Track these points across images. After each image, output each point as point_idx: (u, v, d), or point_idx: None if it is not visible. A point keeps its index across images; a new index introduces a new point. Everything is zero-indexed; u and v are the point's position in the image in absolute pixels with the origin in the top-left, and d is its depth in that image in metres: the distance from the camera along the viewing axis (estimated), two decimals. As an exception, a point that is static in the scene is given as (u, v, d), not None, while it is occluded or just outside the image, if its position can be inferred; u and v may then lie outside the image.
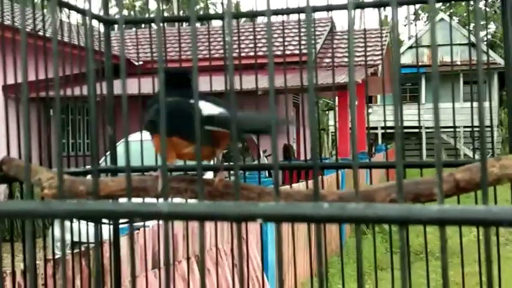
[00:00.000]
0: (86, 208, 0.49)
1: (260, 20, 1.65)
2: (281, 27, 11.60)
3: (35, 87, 1.32)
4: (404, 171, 1.43)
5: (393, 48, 0.55)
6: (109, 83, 1.29)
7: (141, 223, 4.83)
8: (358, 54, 12.02)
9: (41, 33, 1.44)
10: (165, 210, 0.47)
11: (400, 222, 0.43)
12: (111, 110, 1.28)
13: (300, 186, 5.22)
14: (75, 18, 1.43)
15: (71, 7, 1.22)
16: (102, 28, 1.48)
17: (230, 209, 0.46)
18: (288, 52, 11.14)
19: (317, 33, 13.50)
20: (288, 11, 1.28)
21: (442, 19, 20.57)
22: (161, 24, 1.45)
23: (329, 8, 1.36)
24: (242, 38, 12.58)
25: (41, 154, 1.40)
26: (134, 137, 1.63)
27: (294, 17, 1.44)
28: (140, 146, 1.31)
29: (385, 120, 1.61)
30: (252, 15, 1.32)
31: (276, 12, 1.34)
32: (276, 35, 11.72)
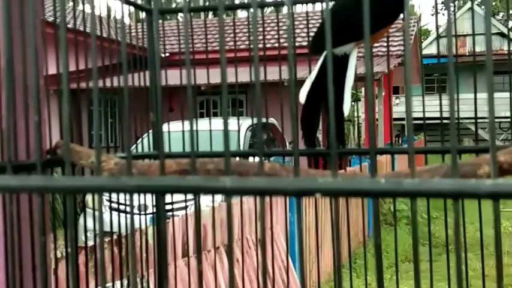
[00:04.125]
0: (153, 183, 0.52)
1: (284, 11, 1.66)
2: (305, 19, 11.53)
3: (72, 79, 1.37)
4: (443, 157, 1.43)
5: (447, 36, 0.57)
6: (152, 70, 1.33)
7: (170, 213, 4.90)
8: (384, 44, 11.91)
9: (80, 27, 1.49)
10: (228, 185, 0.50)
11: (455, 196, 0.46)
12: (154, 97, 1.32)
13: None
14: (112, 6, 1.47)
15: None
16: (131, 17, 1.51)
17: (290, 184, 0.49)
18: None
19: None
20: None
21: (470, 8, 20.24)
22: (187, 15, 1.48)
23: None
24: (268, 29, 12.52)
25: (81, 141, 1.45)
26: (172, 127, 1.68)
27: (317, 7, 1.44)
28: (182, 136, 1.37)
29: (423, 111, 1.61)
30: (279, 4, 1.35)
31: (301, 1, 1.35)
32: (298, 29, 11.68)
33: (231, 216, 0.51)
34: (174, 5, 36.63)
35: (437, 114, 1.37)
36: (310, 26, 1.39)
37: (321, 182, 0.48)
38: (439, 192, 0.46)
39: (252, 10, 0.58)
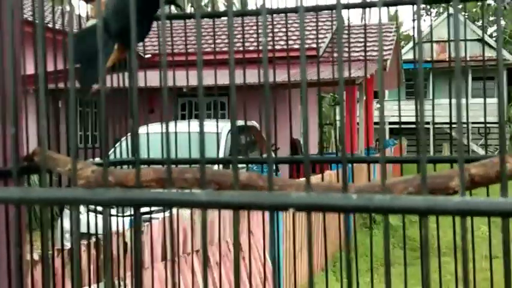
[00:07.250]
0: (128, 196, 0.53)
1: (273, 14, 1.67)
2: (297, 21, 11.57)
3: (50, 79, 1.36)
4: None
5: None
6: (131, 76, 1.33)
7: (148, 216, 4.90)
8: (366, 49, 12.01)
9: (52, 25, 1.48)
10: (203, 199, 0.51)
11: (424, 213, 0.47)
12: (134, 103, 1.32)
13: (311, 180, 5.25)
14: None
15: None
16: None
17: (265, 198, 0.50)
18: (296, 46, 11.13)
19: (325, 27, 13.48)
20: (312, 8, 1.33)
21: (451, 14, 20.47)
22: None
23: (347, 7, 1.40)
24: (250, 31, 12.54)
25: (58, 145, 1.44)
26: (152, 128, 1.70)
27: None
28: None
29: (401, 116, 1.64)
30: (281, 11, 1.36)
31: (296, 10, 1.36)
32: (289, 31, 11.73)
33: (206, 228, 0.51)
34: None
35: (414, 119, 1.40)
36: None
37: (294, 197, 0.49)
38: (410, 209, 0.47)
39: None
